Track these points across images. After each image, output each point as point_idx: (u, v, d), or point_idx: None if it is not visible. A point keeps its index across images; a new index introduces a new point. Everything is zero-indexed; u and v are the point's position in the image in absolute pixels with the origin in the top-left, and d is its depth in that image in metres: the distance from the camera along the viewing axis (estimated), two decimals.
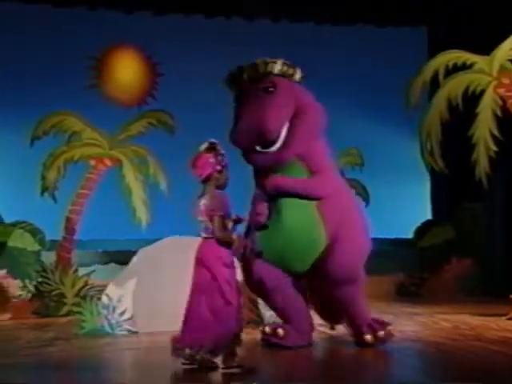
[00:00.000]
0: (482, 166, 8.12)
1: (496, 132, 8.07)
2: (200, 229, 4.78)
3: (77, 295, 8.76)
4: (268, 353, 5.54)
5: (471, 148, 8.19)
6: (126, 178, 10.01)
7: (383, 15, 12.14)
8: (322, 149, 5.73)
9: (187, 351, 4.61)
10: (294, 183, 5.52)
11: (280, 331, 5.63)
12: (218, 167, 4.79)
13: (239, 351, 4.70)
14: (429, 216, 12.21)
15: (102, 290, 7.40)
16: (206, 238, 4.75)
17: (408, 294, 10.70)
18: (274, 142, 5.50)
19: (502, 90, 8.07)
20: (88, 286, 8.96)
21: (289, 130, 5.51)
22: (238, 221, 4.80)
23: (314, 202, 5.51)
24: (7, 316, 8.60)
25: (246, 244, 5.13)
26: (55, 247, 9.89)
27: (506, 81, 8.06)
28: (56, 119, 9.98)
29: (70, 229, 9.80)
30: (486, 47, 8.31)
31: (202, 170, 4.78)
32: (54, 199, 9.82)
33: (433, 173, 10.14)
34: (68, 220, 9.81)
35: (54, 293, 8.84)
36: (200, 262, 4.71)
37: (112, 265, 10.26)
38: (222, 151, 4.85)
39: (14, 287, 9.23)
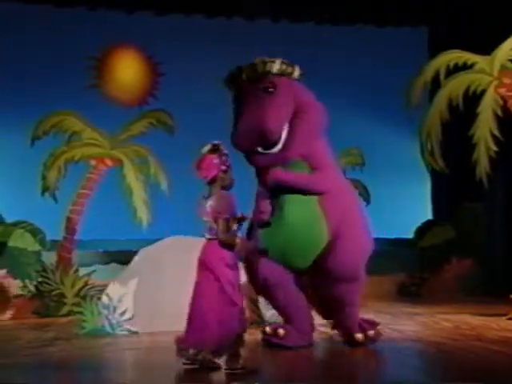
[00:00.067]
0: (483, 165, 8.12)
1: (496, 132, 8.07)
2: (204, 229, 4.78)
3: (77, 295, 8.77)
4: (269, 353, 5.55)
5: (472, 148, 8.19)
6: (126, 177, 10.00)
7: (383, 15, 12.12)
8: (323, 147, 5.74)
9: (190, 351, 4.62)
10: (295, 177, 5.53)
11: (280, 331, 5.64)
12: (223, 167, 4.79)
13: (242, 352, 4.70)
14: (429, 216, 12.20)
15: (102, 289, 7.41)
16: (209, 239, 4.75)
17: (408, 293, 10.70)
18: (275, 143, 5.51)
19: (502, 90, 8.06)
20: (88, 286, 8.97)
21: (290, 129, 5.53)
22: (242, 219, 4.80)
23: (315, 198, 5.52)
24: (7, 316, 8.60)
25: (248, 246, 5.13)
26: (56, 247, 9.89)
27: (506, 81, 8.07)
28: (56, 119, 9.98)
29: (70, 229, 9.80)
30: (487, 47, 8.31)
31: (207, 172, 4.77)
32: (55, 199, 9.82)
33: (433, 173, 10.14)
34: (69, 220, 9.81)
35: (54, 293, 8.85)
36: (203, 263, 4.72)
37: (113, 265, 10.25)
38: (226, 152, 4.86)
39: (15, 287, 9.22)
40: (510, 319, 7.21)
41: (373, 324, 5.70)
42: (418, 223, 11.70)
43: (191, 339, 4.64)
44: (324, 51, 11.62)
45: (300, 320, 5.71)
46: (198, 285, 4.73)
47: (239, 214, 4.76)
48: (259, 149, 5.56)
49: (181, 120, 10.35)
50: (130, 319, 6.78)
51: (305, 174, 5.58)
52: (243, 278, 5.20)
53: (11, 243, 9.64)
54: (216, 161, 4.78)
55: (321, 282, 5.59)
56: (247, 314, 5.30)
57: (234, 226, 4.74)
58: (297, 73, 5.70)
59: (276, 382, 4.61)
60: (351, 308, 5.63)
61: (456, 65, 8.36)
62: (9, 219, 9.96)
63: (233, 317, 4.62)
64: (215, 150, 4.81)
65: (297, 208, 5.50)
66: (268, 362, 5.23)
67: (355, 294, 5.61)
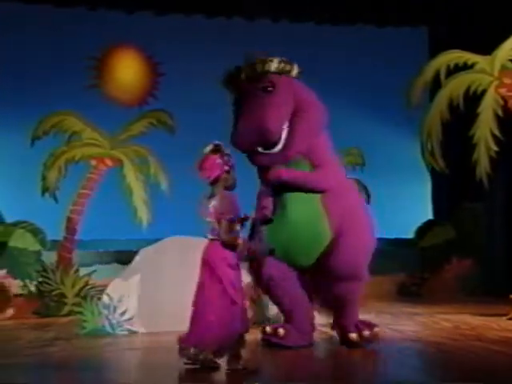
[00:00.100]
0: (483, 165, 8.12)
1: (497, 132, 8.07)
2: (206, 230, 4.77)
3: (77, 295, 8.77)
4: (269, 353, 5.55)
5: (472, 148, 8.18)
6: (126, 177, 10.01)
7: (383, 15, 12.13)
8: (324, 144, 5.73)
9: (192, 351, 4.62)
10: (297, 175, 5.53)
11: (281, 331, 5.65)
12: (226, 167, 4.79)
13: (243, 353, 4.70)
14: (429, 216, 12.20)
15: (102, 289, 7.40)
16: (212, 239, 4.75)
17: (409, 293, 10.70)
18: (275, 143, 5.51)
19: (503, 90, 8.06)
20: (89, 286, 8.96)
21: (290, 128, 5.52)
22: (244, 219, 4.81)
23: (318, 196, 5.53)
24: (8, 315, 8.60)
25: (250, 246, 5.12)
26: (56, 247, 9.89)
27: (507, 81, 8.06)
28: (56, 119, 9.98)
29: (70, 229, 9.80)
30: (487, 47, 8.31)
31: (210, 172, 4.76)
32: (55, 199, 9.82)
33: (433, 173, 10.15)
34: (69, 220, 9.81)
35: (54, 293, 8.85)
36: (205, 263, 4.71)
37: (113, 265, 10.24)
38: (228, 152, 4.85)
39: (15, 287, 9.23)
40: (510, 319, 7.20)
41: (370, 325, 5.66)
42: (419, 223, 11.71)
43: (192, 339, 4.64)
44: (324, 51, 11.62)
45: (301, 319, 5.71)
46: (200, 285, 4.73)
47: (242, 215, 4.77)
48: (259, 149, 5.56)
49: (181, 120, 10.35)
50: (130, 319, 6.79)
51: (306, 173, 5.58)
52: (245, 278, 5.19)
53: (11, 243, 9.65)
54: (219, 161, 4.77)
55: (323, 279, 5.60)
56: (249, 314, 5.27)
57: (237, 227, 4.73)
58: (295, 71, 5.70)
59: (276, 382, 4.60)
60: (350, 307, 5.63)
61: (456, 65, 8.36)
62: (9, 219, 9.97)
63: (234, 317, 4.62)
64: (217, 150, 4.80)
65: (299, 206, 5.50)
66: (268, 361, 5.23)
67: (356, 293, 5.62)
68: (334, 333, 6.01)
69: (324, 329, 6.30)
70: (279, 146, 5.52)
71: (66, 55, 11.17)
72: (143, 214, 9.96)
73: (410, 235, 11.65)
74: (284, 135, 5.51)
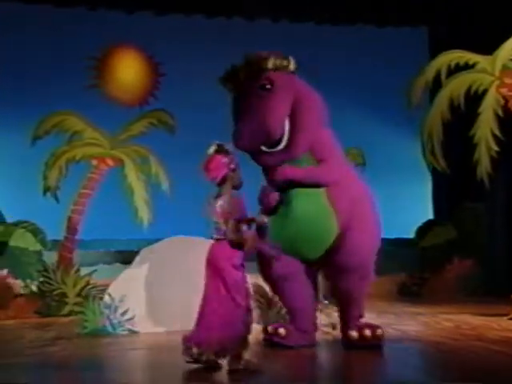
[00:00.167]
0: (484, 165, 8.11)
1: (498, 132, 8.05)
2: (212, 229, 4.75)
3: (78, 295, 8.77)
4: (270, 353, 5.54)
5: (473, 148, 8.17)
6: (127, 177, 10.01)
7: (383, 15, 12.12)
8: (327, 137, 5.70)
9: (194, 350, 4.62)
10: (303, 172, 5.49)
11: (282, 331, 5.65)
12: (232, 166, 4.77)
13: (245, 353, 4.68)
14: (430, 216, 12.20)
15: (103, 289, 7.41)
16: (217, 239, 4.74)
17: (409, 293, 10.69)
18: (278, 141, 5.48)
19: (504, 90, 8.05)
20: (90, 286, 8.96)
21: (292, 124, 5.46)
22: (250, 220, 4.80)
23: (323, 191, 5.50)
24: (9, 315, 8.60)
25: (257, 245, 5.07)
26: (57, 247, 9.90)
27: (508, 80, 8.05)
28: (57, 119, 9.99)
29: (71, 228, 9.81)
30: (487, 47, 8.30)
31: (216, 172, 4.74)
32: (56, 199, 9.83)
33: (434, 173, 10.14)
34: (70, 220, 9.82)
35: (55, 292, 8.84)
36: (211, 264, 4.70)
37: (114, 265, 10.26)
38: (231, 151, 4.84)
39: (16, 287, 9.23)
40: (511, 319, 7.19)
41: (372, 326, 5.61)
42: (419, 223, 11.71)
43: (195, 338, 4.64)
44: (324, 51, 11.62)
45: (303, 319, 5.71)
46: (205, 284, 4.72)
47: (249, 215, 4.76)
48: (263, 148, 5.53)
49: (181, 120, 10.36)
50: (131, 319, 6.78)
51: (311, 168, 5.53)
52: (250, 279, 5.18)
53: (12, 243, 9.67)
54: (224, 160, 4.75)
55: (330, 272, 5.64)
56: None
57: (244, 227, 4.72)
58: (292, 66, 5.63)
59: (277, 383, 4.60)
60: (354, 305, 5.61)
61: (457, 65, 8.34)
62: (10, 219, 9.99)
63: (237, 318, 4.61)
64: (221, 149, 4.79)
65: (305, 202, 5.48)
66: (270, 362, 5.20)
67: (361, 290, 5.60)
68: (335, 333, 6.02)
69: (326, 329, 6.31)
70: (283, 144, 5.48)
71: (66, 55, 11.18)
72: (144, 214, 9.97)
73: (411, 235, 11.66)
74: (286, 132, 5.46)
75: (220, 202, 4.71)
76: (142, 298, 6.85)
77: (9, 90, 11.01)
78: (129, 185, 9.99)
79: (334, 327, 6.25)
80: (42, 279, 9.06)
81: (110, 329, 6.74)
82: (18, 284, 9.26)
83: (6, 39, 10.96)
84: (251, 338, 4.78)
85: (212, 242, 4.77)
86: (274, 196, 5.43)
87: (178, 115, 10.37)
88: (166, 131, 10.36)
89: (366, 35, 12.16)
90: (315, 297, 5.92)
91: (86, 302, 7.03)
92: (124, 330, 6.75)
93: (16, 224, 9.89)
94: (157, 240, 7.49)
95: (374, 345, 5.47)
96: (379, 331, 5.54)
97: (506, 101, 8.02)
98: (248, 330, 4.71)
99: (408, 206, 11.60)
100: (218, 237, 4.72)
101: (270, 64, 5.50)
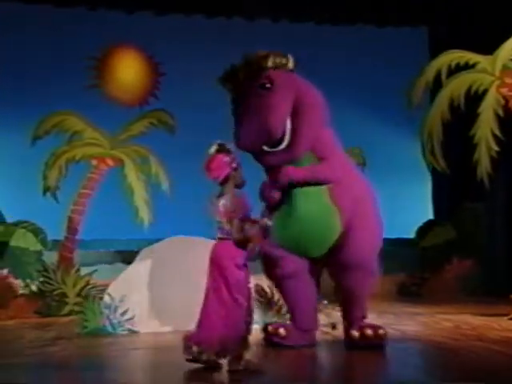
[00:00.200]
0: (484, 165, 8.12)
1: (498, 132, 8.05)
2: (215, 229, 4.75)
3: (78, 295, 8.76)
4: (271, 353, 5.55)
5: (473, 148, 8.18)
6: (127, 177, 10.02)
7: (383, 15, 12.11)
8: (328, 136, 5.71)
9: (194, 349, 4.62)
10: (306, 172, 5.49)
11: (281, 331, 5.65)
12: (234, 165, 4.77)
13: (246, 354, 4.68)
14: (430, 216, 12.20)
15: (103, 289, 7.41)
16: (221, 238, 4.74)
17: (409, 293, 10.69)
18: (280, 140, 5.47)
19: (504, 90, 8.05)
20: (90, 286, 8.95)
21: (293, 123, 5.45)
22: (254, 223, 4.79)
23: (326, 190, 5.50)
24: (9, 315, 8.59)
25: (262, 242, 5.07)
26: (57, 247, 9.90)
27: (508, 80, 8.05)
28: (57, 119, 10.00)
29: (72, 228, 9.81)
30: (487, 47, 8.31)
31: (219, 171, 4.74)
32: (56, 199, 9.83)
33: (434, 173, 10.14)
34: (70, 220, 9.82)
35: (55, 292, 8.84)
36: (214, 263, 4.69)
37: (114, 265, 10.26)
38: (232, 150, 4.84)
39: (16, 287, 9.23)
40: (511, 319, 7.20)
41: (375, 327, 5.60)
42: (419, 223, 11.71)
43: (196, 337, 4.64)
44: (324, 51, 11.60)
45: (303, 318, 5.72)
46: (207, 283, 4.71)
47: (253, 218, 4.75)
48: (265, 148, 5.52)
49: (181, 120, 10.36)
50: (131, 319, 6.78)
51: (313, 166, 5.53)
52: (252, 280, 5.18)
53: (13, 243, 9.67)
54: (226, 159, 4.75)
55: (334, 269, 5.66)
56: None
57: (248, 225, 4.71)
58: (291, 63, 5.62)
59: (278, 383, 4.60)
60: (357, 304, 5.63)
61: (458, 64, 8.35)
62: (10, 219, 9.99)
63: (239, 318, 4.61)
64: (222, 149, 4.79)
65: (308, 201, 5.48)
66: (270, 362, 5.21)
67: (364, 288, 5.61)
68: (335, 333, 6.02)
69: (325, 329, 6.31)
70: (285, 143, 5.46)
71: (66, 55, 11.17)
72: (144, 214, 9.96)
73: (411, 235, 11.66)
74: (288, 131, 5.44)
75: (223, 201, 4.70)
76: (142, 297, 6.85)
77: (9, 90, 11.01)
78: (129, 185, 9.99)
79: (333, 327, 6.25)
80: (42, 279, 9.05)
81: (110, 329, 6.75)
82: (18, 284, 9.26)
83: (6, 39, 10.95)
84: (251, 338, 4.78)
85: (215, 241, 4.77)
86: (277, 192, 5.46)
87: (178, 115, 10.37)
88: (166, 131, 10.36)
89: (366, 35, 12.15)
90: (318, 295, 5.93)
91: (86, 301, 7.02)
92: (124, 330, 6.76)
93: (16, 224, 9.89)
94: (157, 240, 7.48)
95: (375, 344, 5.47)
96: (381, 331, 5.53)
97: (507, 101, 8.03)
98: (249, 331, 4.71)
99: (408, 206, 11.59)
100: (222, 236, 4.72)
101: (270, 63, 5.49)
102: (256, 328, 5.68)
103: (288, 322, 5.97)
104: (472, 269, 10.63)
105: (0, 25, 10.79)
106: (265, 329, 5.82)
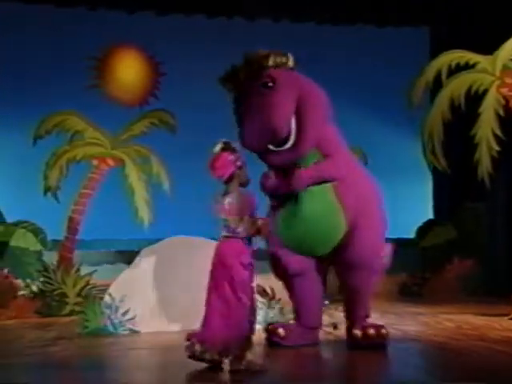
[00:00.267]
0: (485, 165, 8.11)
1: (498, 132, 8.06)
2: (220, 227, 4.74)
3: (79, 295, 8.76)
4: (272, 352, 5.54)
5: (473, 148, 8.18)
6: (128, 177, 9.98)
7: (383, 15, 12.10)
8: (333, 133, 5.71)
9: (197, 347, 4.61)
10: (313, 172, 5.48)
11: (281, 331, 5.67)
12: (239, 163, 4.76)
13: (248, 354, 4.66)
14: (431, 216, 12.20)
15: (104, 289, 7.40)
16: (226, 236, 4.73)
17: (410, 293, 10.68)
18: (286, 139, 5.44)
19: (504, 90, 8.05)
20: (90, 286, 8.94)
21: (298, 122, 5.42)
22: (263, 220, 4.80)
23: (331, 188, 5.50)
24: (10, 315, 8.59)
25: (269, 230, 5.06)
26: (57, 247, 9.89)
27: (509, 80, 8.05)
28: (58, 118, 9.98)
29: (72, 228, 9.79)
30: (488, 47, 8.31)
31: (223, 170, 4.72)
32: (57, 199, 9.81)
33: (435, 172, 10.14)
34: (70, 220, 9.80)
35: (56, 292, 8.82)
36: (218, 261, 4.68)
37: (115, 265, 10.25)
38: (237, 148, 4.83)
39: (16, 287, 9.22)
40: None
41: (377, 326, 5.61)
42: (420, 223, 11.71)
43: (200, 336, 4.64)
44: (324, 51, 11.59)
45: (311, 316, 5.74)
46: (211, 282, 4.70)
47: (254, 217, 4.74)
48: (271, 147, 5.49)
49: (182, 120, 10.34)
50: (132, 319, 6.78)
51: (318, 166, 5.52)
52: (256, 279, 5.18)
53: (13, 243, 9.66)
54: (231, 157, 4.74)
55: (339, 270, 5.69)
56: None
57: (259, 222, 4.71)
58: (291, 62, 5.61)
59: (280, 383, 4.60)
60: (360, 303, 5.64)
61: (458, 64, 8.35)
62: (10, 219, 9.98)
63: (243, 318, 4.61)
64: (227, 147, 4.78)
65: (313, 200, 5.47)
66: (272, 361, 5.20)
67: (367, 287, 5.63)
68: (336, 332, 6.02)
69: (327, 329, 6.30)
70: (290, 142, 5.44)
71: (66, 55, 11.16)
72: (145, 214, 9.94)
73: (411, 235, 11.65)
74: (293, 130, 5.42)
75: (228, 200, 4.69)
76: (143, 297, 6.84)
77: (9, 89, 11.01)
78: (130, 185, 9.97)
79: (334, 327, 6.25)
80: (42, 279, 9.04)
81: (111, 328, 6.74)
82: (18, 284, 9.25)
83: (6, 39, 10.94)
84: (254, 337, 4.77)
85: (219, 239, 4.76)
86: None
87: (179, 115, 10.34)
88: (167, 131, 10.33)
89: (366, 35, 12.14)
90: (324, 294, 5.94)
91: (87, 301, 7.02)
92: (125, 330, 6.75)
93: (16, 224, 9.88)
94: (157, 240, 7.46)
95: (378, 344, 5.47)
96: (383, 330, 5.54)
97: (507, 101, 8.03)
98: (252, 330, 4.71)
99: (408, 206, 11.57)
100: (227, 234, 4.71)
101: (271, 62, 5.48)
102: (259, 328, 5.70)
103: (290, 322, 5.98)
104: (473, 269, 10.62)
105: (0, 25, 10.79)
106: (266, 328, 5.83)
